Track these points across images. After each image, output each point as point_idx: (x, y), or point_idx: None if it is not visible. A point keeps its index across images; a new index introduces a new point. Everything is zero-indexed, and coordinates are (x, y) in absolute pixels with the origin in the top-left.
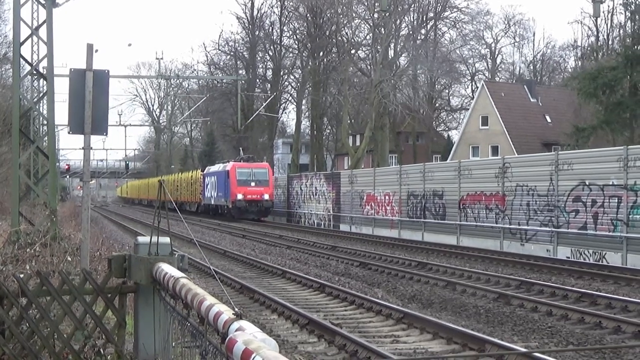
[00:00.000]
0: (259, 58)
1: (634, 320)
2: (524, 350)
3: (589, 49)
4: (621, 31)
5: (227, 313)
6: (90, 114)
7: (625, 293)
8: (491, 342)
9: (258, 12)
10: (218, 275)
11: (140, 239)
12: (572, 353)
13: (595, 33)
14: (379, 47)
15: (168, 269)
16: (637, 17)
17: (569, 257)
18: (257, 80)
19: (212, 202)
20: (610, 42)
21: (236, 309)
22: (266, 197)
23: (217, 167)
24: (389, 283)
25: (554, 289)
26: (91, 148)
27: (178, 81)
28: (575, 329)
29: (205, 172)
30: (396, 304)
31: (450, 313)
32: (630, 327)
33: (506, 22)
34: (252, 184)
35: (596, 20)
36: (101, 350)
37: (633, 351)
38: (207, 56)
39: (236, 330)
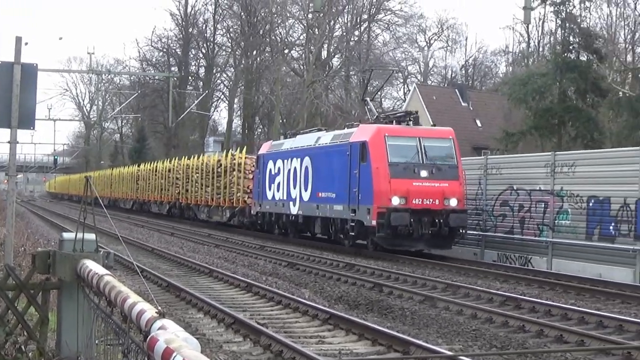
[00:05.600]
0: (191, 55)
1: (556, 324)
2: (448, 352)
3: (520, 55)
4: (552, 38)
5: (150, 311)
6: (17, 107)
7: (549, 297)
8: (416, 344)
9: (192, 9)
10: (145, 273)
11: (66, 235)
12: (496, 356)
13: (527, 39)
14: (312, 48)
15: (93, 266)
16: (567, 24)
17: (495, 261)
18: (190, 78)
19: (294, 211)
20: (540, 49)
21: (159, 308)
22: (453, 202)
23: (311, 138)
24: (316, 284)
25: (479, 292)
26: (17, 142)
27: (109, 76)
28: (499, 332)
29: (268, 149)
30: (323, 304)
31: (376, 314)
32: (552, 331)
33: (439, 26)
34: (423, 172)
35: (527, 27)
36: (22, 347)
37: (555, 355)
38: (139, 52)
39: (158, 329)
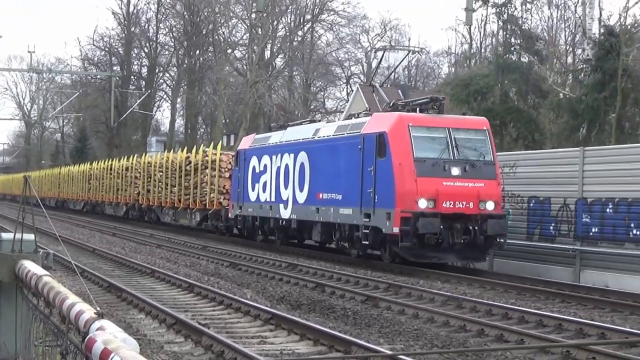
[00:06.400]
0: (134, 55)
1: (497, 323)
2: (389, 352)
3: (462, 56)
4: (493, 40)
5: (88, 312)
6: None
7: (490, 297)
8: (357, 344)
9: (134, 8)
10: (85, 274)
11: (4, 235)
12: (437, 355)
13: (469, 41)
14: (255, 48)
15: (31, 267)
16: (508, 26)
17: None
18: (132, 77)
19: (285, 215)
20: (482, 50)
21: (98, 308)
22: (490, 206)
23: (308, 129)
24: (259, 284)
25: (421, 292)
26: None
27: (50, 75)
28: (440, 331)
29: (251, 144)
30: (265, 304)
31: (318, 315)
32: (493, 331)
33: (382, 27)
34: (455, 170)
35: (469, 29)
36: None
37: (495, 354)
38: (81, 51)
39: (97, 330)
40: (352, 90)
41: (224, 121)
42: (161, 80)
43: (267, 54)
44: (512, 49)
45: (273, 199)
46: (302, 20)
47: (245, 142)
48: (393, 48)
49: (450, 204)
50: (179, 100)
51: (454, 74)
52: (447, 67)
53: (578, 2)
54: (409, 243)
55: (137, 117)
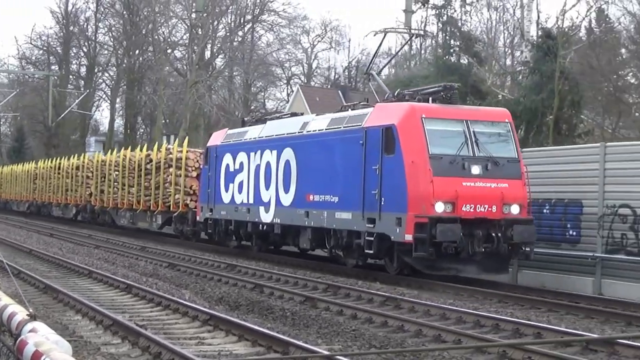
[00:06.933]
0: (72, 54)
1: (435, 324)
2: (326, 353)
3: (402, 57)
4: (433, 41)
5: (21, 314)
6: None
7: (428, 297)
8: (295, 345)
9: (73, 7)
10: (22, 275)
11: None
12: (375, 356)
13: (409, 42)
14: (195, 48)
15: None
16: (448, 28)
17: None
18: (71, 77)
19: (267, 219)
20: (422, 52)
21: (30, 310)
22: (515, 209)
23: (294, 123)
24: (197, 285)
25: (359, 292)
26: None
27: None
28: (378, 332)
29: (223, 140)
30: (203, 305)
31: (257, 315)
32: (430, 331)
33: (323, 28)
34: (475, 169)
35: (409, 30)
36: None
37: (432, 354)
38: (18, 50)
39: (29, 332)
40: (293, 91)
41: (163, 121)
42: (100, 80)
43: (207, 54)
44: (452, 50)
45: (251, 201)
46: (242, 21)
47: (217, 138)
48: (394, 30)
49: (470, 208)
50: (118, 100)
51: (394, 75)
52: (387, 69)
53: (516, 5)
54: (424, 253)
55: (75, 117)
